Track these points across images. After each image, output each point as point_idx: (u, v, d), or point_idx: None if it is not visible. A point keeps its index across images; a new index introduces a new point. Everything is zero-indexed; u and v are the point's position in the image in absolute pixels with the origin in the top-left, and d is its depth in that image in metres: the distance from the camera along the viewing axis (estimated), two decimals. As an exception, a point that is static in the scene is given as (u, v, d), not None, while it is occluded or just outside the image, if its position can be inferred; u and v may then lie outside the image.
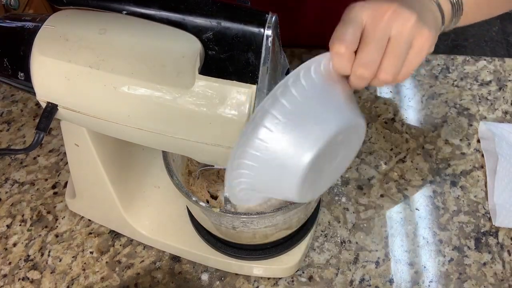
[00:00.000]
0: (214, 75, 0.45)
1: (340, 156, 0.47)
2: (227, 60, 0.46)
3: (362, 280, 0.64)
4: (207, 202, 0.63)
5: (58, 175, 0.76)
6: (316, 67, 0.43)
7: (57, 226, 0.71)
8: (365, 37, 0.43)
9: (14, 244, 0.69)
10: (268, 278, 0.64)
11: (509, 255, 0.66)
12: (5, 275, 0.66)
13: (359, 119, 0.44)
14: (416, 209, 0.70)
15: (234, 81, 0.45)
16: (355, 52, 0.43)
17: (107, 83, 0.47)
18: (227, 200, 0.57)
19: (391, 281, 0.64)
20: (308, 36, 0.89)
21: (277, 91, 0.41)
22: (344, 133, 0.43)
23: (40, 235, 0.70)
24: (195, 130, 0.47)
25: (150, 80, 0.46)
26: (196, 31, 0.46)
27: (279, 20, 0.46)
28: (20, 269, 0.67)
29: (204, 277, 0.65)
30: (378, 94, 0.84)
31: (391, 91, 0.84)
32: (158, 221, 0.67)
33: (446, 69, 0.87)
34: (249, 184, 0.45)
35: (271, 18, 0.45)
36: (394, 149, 0.77)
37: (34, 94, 0.51)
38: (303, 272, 0.65)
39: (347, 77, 0.45)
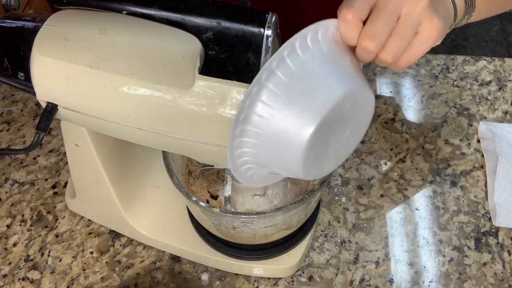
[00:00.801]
0: (214, 75, 0.45)
1: (348, 131, 0.44)
2: (227, 60, 0.46)
3: (362, 280, 0.64)
4: (207, 202, 0.63)
5: (58, 175, 0.76)
6: (323, 32, 0.41)
7: (57, 226, 0.71)
8: (376, 9, 0.42)
9: (14, 244, 0.69)
10: (268, 278, 0.64)
11: (509, 255, 0.66)
12: (5, 275, 0.66)
13: (366, 89, 0.42)
14: (416, 209, 0.70)
15: (234, 81, 0.45)
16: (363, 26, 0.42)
17: (107, 83, 0.47)
18: (227, 200, 0.57)
19: (391, 281, 0.64)
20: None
21: (283, 52, 0.39)
22: (351, 102, 0.41)
23: (40, 235, 0.70)
24: (195, 130, 0.47)
25: (150, 80, 0.46)
26: (196, 31, 0.46)
27: (279, 20, 0.46)
28: (20, 269, 0.67)
29: (204, 277, 0.65)
30: (378, 94, 0.84)
31: (391, 91, 0.84)
32: (158, 221, 0.67)
33: (446, 69, 0.87)
34: (252, 157, 0.43)
35: (271, 18, 0.45)
36: (394, 149, 0.77)
37: (34, 94, 0.51)
38: (303, 272, 0.65)
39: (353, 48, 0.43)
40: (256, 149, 0.42)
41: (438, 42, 0.45)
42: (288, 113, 0.39)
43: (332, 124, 0.41)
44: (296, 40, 0.40)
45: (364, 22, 0.42)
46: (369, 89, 0.43)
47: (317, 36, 0.41)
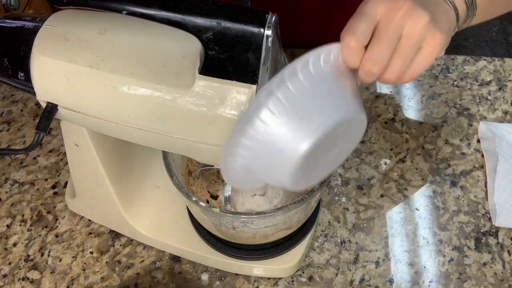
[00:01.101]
0: (214, 75, 0.45)
1: (337, 149, 0.46)
2: (227, 60, 0.46)
3: (362, 280, 0.64)
4: (207, 202, 0.63)
5: (58, 175, 0.76)
6: (325, 56, 0.42)
7: (57, 226, 0.71)
8: (377, 32, 0.43)
9: (14, 244, 0.69)
10: (268, 278, 0.64)
11: (509, 255, 0.66)
12: (5, 275, 0.66)
13: (361, 114, 0.44)
14: (416, 209, 0.70)
15: (234, 81, 0.45)
16: (366, 47, 0.43)
17: (107, 83, 0.47)
18: (227, 200, 0.57)
19: (391, 281, 0.64)
20: (308, 36, 0.89)
21: (284, 74, 0.40)
22: (345, 125, 0.43)
23: (40, 235, 0.70)
24: (195, 130, 0.47)
25: (150, 80, 0.46)
26: (196, 31, 0.46)
27: (279, 20, 0.46)
28: (20, 269, 0.67)
29: (204, 277, 0.65)
30: (378, 94, 0.84)
31: (391, 91, 0.84)
32: (158, 221, 0.67)
33: (446, 69, 0.87)
34: (244, 164, 0.44)
35: (271, 18, 0.45)
36: (394, 149, 0.77)
37: (34, 94, 0.51)
38: (303, 272, 0.65)
39: (355, 70, 0.44)
40: (248, 160, 0.43)
41: (442, 54, 0.46)
42: (284, 132, 0.41)
43: (324, 143, 0.42)
44: (297, 63, 0.41)
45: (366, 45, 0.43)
46: (364, 113, 0.44)
47: (319, 61, 0.42)
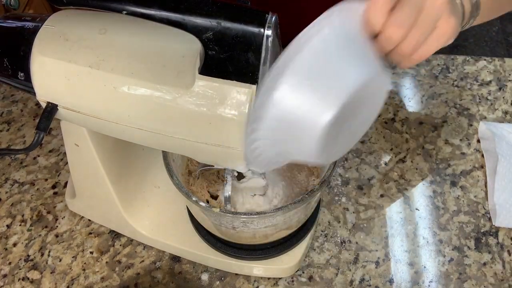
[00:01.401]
0: (214, 75, 0.45)
1: (360, 117, 0.45)
2: (227, 60, 0.46)
3: (362, 280, 0.64)
4: (207, 202, 0.63)
5: (58, 175, 0.76)
6: (353, 15, 0.41)
7: (57, 226, 0.71)
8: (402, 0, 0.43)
9: (14, 244, 0.69)
10: (268, 278, 0.64)
11: (509, 255, 0.66)
12: (5, 275, 0.66)
13: (386, 74, 0.43)
14: (416, 209, 0.70)
15: (234, 81, 0.45)
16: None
17: (107, 83, 0.47)
18: (227, 200, 0.57)
19: (391, 281, 0.64)
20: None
21: (311, 32, 0.39)
22: (371, 87, 0.41)
23: (40, 235, 0.70)
24: (195, 130, 0.47)
25: (150, 80, 0.46)
26: (196, 31, 0.46)
27: (279, 20, 0.46)
28: (20, 269, 0.67)
29: (204, 277, 0.65)
30: (378, 94, 0.84)
31: (391, 91, 0.84)
32: (158, 221, 0.67)
33: (446, 69, 0.87)
34: (266, 134, 0.42)
35: (271, 18, 0.45)
36: (394, 149, 0.77)
37: (34, 94, 0.51)
38: (303, 272, 0.65)
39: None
40: (273, 126, 0.42)
41: (450, 41, 0.46)
42: (310, 95, 0.39)
43: (350, 108, 0.41)
44: (324, 20, 0.40)
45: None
46: (387, 74, 0.43)
47: (345, 19, 0.41)
